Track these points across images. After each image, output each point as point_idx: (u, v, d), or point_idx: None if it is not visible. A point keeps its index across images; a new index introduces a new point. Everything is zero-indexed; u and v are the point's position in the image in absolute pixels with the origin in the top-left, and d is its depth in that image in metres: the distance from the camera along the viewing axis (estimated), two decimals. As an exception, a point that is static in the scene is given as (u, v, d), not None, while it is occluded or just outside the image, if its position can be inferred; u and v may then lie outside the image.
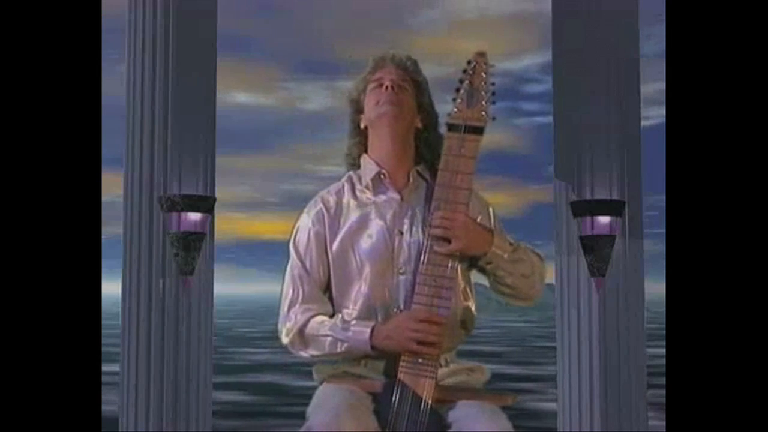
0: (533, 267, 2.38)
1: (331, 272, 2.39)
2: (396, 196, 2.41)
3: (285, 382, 18.54)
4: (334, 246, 2.39)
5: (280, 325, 2.41)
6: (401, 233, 2.36)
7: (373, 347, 2.28)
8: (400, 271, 2.34)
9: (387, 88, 2.42)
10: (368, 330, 2.28)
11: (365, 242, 2.37)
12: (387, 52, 2.51)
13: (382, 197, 2.41)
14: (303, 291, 2.39)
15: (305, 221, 2.44)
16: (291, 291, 2.40)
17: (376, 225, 2.38)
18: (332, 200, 2.44)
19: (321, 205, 2.43)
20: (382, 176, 2.42)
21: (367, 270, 2.35)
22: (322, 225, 2.41)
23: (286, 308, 2.40)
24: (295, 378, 18.64)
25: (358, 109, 2.50)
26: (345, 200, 2.43)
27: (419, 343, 2.23)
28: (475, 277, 2.43)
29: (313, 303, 2.38)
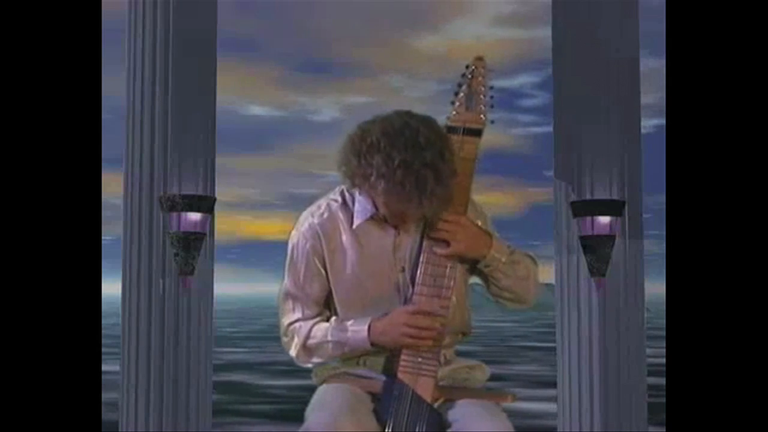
0: (529, 270, 2.38)
1: (333, 301, 2.37)
2: (392, 230, 2.33)
3: (251, 381, 18.65)
4: (334, 276, 2.34)
5: (284, 341, 2.41)
6: (403, 269, 2.32)
7: (372, 343, 2.28)
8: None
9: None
10: (365, 328, 2.28)
11: (369, 282, 2.32)
12: (415, 186, 2.12)
13: (379, 231, 2.33)
14: (303, 312, 2.38)
15: (300, 240, 2.37)
16: (291, 311, 2.39)
17: (377, 263, 2.32)
18: (326, 219, 2.36)
19: (315, 221, 2.36)
20: (375, 218, 2.32)
21: (372, 308, 2.31)
22: (319, 244, 2.35)
23: (285, 326, 2.40)
24: (261, 377, 18.79)
25: (356, 183, 2.23)
26: (340, 223, 2.35)
27: (412, 337, 2.23)
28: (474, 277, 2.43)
29: (312, 318, 2.38)
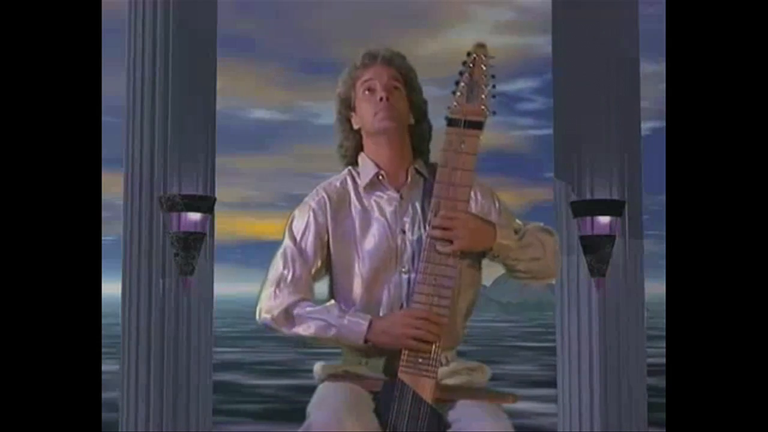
0: (544, 247, 2.36)
1: (333, 271, 2.39)
2: (395, 194, 2.39)
3: (242, 381, 18.60)
4: (336, 243, 2.38)
5: (261, 302, 2.35)
6: (403, 232, 2.35)
7: (366, 340, 2.27)
8: (403, 270, 2.33)
9: (382, 99, 2.36)
10: (365, 323, 2.27)
11: (368, 242, 2.36)
12: (374, 48, 2.45)
13: (382, 196, 2.40)
14: (293, 272, 2.35)
15: (306, 208, 2.41)
16: (281, 270, 2.36)
17: (378, 225, 2.37)
18: (335, 191, 2.42)
19: (324, 194, 2.42)
20: (380, 177, 2.40)
21: (370, 270, 2.34)
22: (323, 213, 2.39)
23: (272, 287, 2.34)
24: (251, 377, 18.77)
25: (348, 106, 2.46)
26: (347, 194, 2.42)
27: (415, 339, 2.23)
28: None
29: (301, 288, 2.35)
